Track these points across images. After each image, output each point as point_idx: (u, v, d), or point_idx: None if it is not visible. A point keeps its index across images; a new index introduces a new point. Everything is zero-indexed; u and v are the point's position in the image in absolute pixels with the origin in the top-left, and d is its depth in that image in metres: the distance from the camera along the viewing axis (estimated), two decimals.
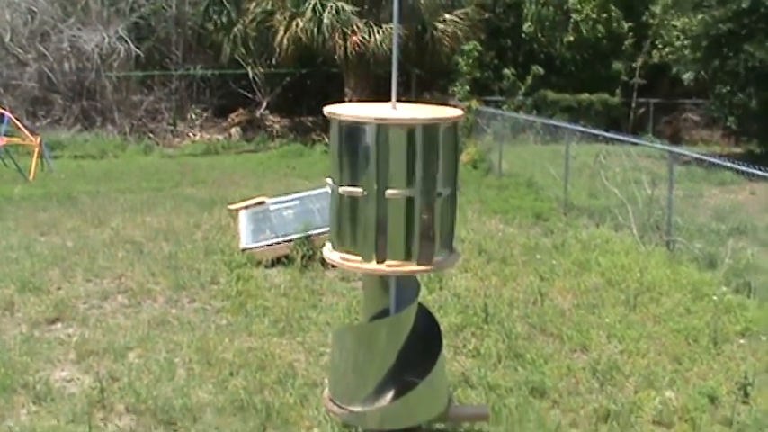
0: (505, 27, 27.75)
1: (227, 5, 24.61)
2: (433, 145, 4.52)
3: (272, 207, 11.63)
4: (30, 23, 24.26)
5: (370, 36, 21.44)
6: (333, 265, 5.49)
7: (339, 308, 8.03)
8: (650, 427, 5.70)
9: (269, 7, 23.11)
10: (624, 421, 5.72)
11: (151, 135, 24.39)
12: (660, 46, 24.79)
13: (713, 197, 14.90)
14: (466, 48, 23.66)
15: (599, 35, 27.04)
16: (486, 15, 25.93)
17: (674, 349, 7.09)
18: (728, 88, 21.95)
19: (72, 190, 14.79)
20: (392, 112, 4.69)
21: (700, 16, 21.04)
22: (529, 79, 26.13)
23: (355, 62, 21.85)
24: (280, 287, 8.77)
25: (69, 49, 24.06)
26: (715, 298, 8.12)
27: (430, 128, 4.53)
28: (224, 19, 24.79)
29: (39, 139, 17.60)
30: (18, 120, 19.20)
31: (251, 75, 25.11)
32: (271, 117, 25.94)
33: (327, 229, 5.18)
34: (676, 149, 12.56)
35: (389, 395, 4.77)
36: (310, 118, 25.38)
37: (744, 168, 10.18)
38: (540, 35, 27.61)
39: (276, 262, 9.67)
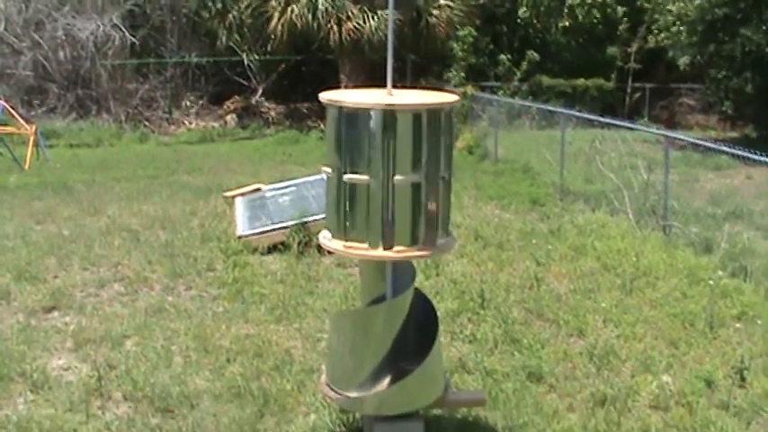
0: (500, 13, 27.69)
1: None
2: (436, 129, 4.52)
3: (268, 194, 11.62)
4: (24, 12, 24.16)
5: (365, 22, 21.39)
6: (329, 252, 5.47)
7: (336, 294, 8.04)
8: (647, 412, 5.71)
9: None
10: (621, 406, 5.73)
11: (147, 123, 24.35)
12: (656, 30, 24.76)
13: (709, 182, 14.93)
14: (461, 33, 23.66)
15: (594, 20, 27.00)
16: (481, 1, 25.82)
17: (670, 334, 7.10)
18: (724, 73, 21.92)
19: (68, 179, 14.78)
20: (395, 97, 4.66)
21: (696, 1, 20.99)
22: (524, 65, 26.12)
23: (350, 48, 21.79)
24: (276, 274, 8.77)
25: (64, 38, 23.97)
26: (711, 282, 8.13)
27: (434, 112, 4.52)
28: (219, 6, 24.71)
29: (34, 128, 17.57)
30: (13, 109, 19.13)
31: (246, 62, 25.06)
32: (266, 104, 25.90)
33: (323, 215, 5.17)
34: (672, 134, 12.55)
35: (386, 380, 4.77)
36: (306, 104, 25.37)
37: (740, 153, 10.17)
38: (535, 20, 27.59)
39: (272, 249, 9.67)
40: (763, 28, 19.88)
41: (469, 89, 21.49)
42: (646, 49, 26.91)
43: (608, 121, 13.61)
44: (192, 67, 25.89)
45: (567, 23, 27.03)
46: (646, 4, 26.15)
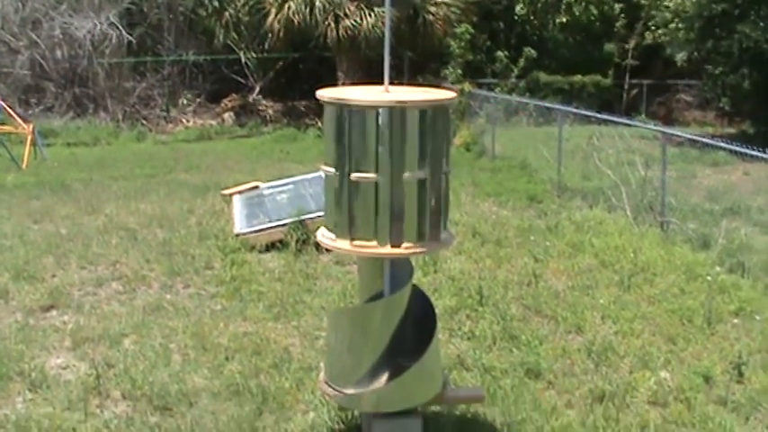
0: (498, 9, 27.65)
1: None
2: (439, 125, 4.53)
3: (265, 192, 11.62)
4: (21, 11, 24.11)
5: (362, 19, 21.37)
6: (327, 249, 5.44)
7: (334, 292, 8.04)
8: (645, 408, 5.72)
9: None
10: (619, 402, 5.74)
11: (144, 121, 24.31)
12: (653, 27, 24.75)
13: (706, 178, 14.93)
14: (458, 30, 23.63)
15: (591, 17, 27.01)
16: None
17: (668, 330, 7.11)
18: (722, 69, 21.90)
19: (65, 177, 14.75)
20: (400, 94, 4.66)
21: None
22: (521, 61, 26.07)
23: (347, 46, 21.78)
24: (274, 272, 8.77)
25: (61, 37, 23.91)
26: (709, 278, 8.13)
27: (439, 108, 4.54)
28: (216, 4, 24.68)
29: (31, 127, 17.52)
30: (10, 107, 19.11)
31: (243, 60, 25.01)
32: (264, 102, 25.86)
33: (321, 213, 5.14)
34: (669, 130, 12.56)
35: (384, 377, 4.77)
36: (303, 102, 25.34)
37: (737, 148, 10.19)
38: (532, 17, 27.57)
39: (270, 247, 9.67)
40: (761, 24, 19.88)
41: (467, 86, 21.45)
42: (643, 46, 26.92)
43: (605, 117, 13.60)
44: (190, 65, 25.84)
45: (564, 20, 27.03)
46: (643, 1, 26.16)
